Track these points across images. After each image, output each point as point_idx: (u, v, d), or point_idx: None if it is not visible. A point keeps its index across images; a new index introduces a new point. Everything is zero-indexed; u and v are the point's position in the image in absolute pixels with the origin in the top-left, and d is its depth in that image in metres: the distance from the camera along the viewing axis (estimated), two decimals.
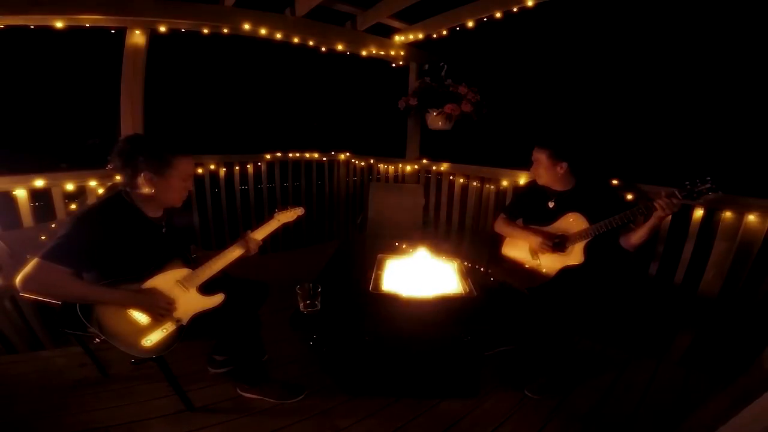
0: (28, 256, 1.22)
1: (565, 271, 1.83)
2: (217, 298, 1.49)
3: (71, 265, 1.24)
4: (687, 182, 1.59)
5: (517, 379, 1.80)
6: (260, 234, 1.69)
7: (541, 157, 1.92)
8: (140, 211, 1.42)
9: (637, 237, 1.73)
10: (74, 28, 2.14)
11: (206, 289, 1.50)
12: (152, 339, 1.33)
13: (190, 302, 1.44)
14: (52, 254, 1.20)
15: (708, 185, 1.55)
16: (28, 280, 1.18)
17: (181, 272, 1.46)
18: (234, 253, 1.59)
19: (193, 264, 1.52)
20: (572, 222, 1.85)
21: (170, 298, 1.38)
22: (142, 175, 1.34)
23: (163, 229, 1.50)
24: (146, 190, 1.37)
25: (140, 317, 1.34)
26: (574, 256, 1.82)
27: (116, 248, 1.33)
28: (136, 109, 2.41)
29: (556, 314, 1.76)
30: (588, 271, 1.80)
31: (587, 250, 1.79)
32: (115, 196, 1.42)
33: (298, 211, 1.86)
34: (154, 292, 1.36)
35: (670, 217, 2.04)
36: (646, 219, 1.70)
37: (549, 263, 1.90)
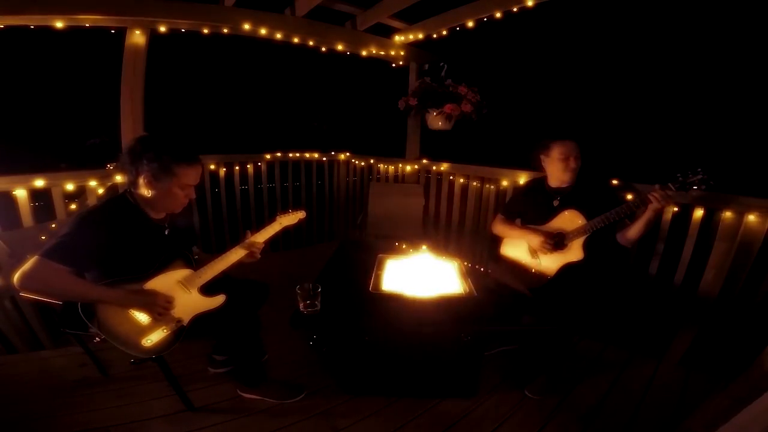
0: (28, 256, 1.22)
1: (566, 269, 1.84)
2: (219, 299, 1.48)
3: (71, 264, 1.24)
4: (679, 174, 1.63)
5: (517, 379, 1.81)
6: (261, 236, 1.69)
7: (576, 150, 1.89)
8: (143, 212, 1.42)
9: (633, 231, 1.74)
10: (74, 28, 2.14)
11: (207, 289, 1.50)
12: (152, 339, 1.32)
13: (192, 303, 1.44)
14: (52, 252, 1.20)
15: (699, 176, 1.59)
16: (26, 278, 1.18)
17: (183, 273, 1.47)
18: (235, 255, 1.58)
19: (195, 265, 1.52)
20: (569, 219, 1.86)
21: (168, 297, 1.38)
22: (142, 176, 1.35)
23: (166, 231, 1.50)
24: (146, 192, 1.38)
25: (141, 317, 1.34)
26: (574, 252, 1.82)
27: (117, 249, 1.33)
28: (137, 109, 2.41)
29: (559, 313, 1.76)
30: (588, 267, 1.81)
31: (586, 246, 1.80)
32: (119, 196, 1.43)
33: (300, 215, 1.89)
34: (152, 292, 1.36)
35: (669, 215, 2.05)
36: (641, 212, 1.71)
37: (549, 262, 1.90)
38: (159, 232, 1.47)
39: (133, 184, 1.39)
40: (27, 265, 1.19)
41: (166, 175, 1.35)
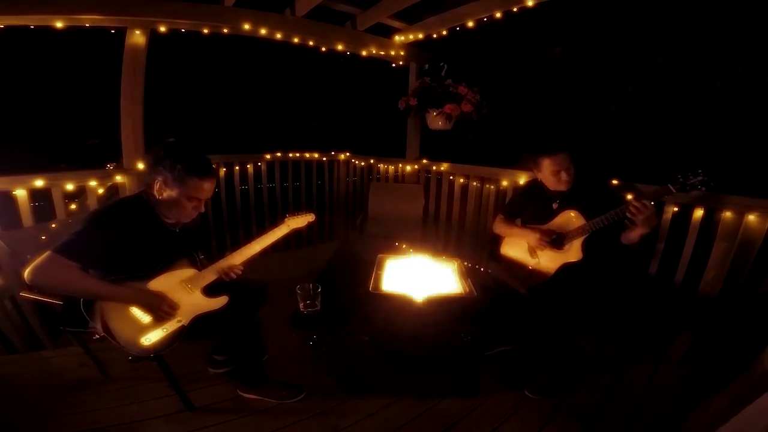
0: (28, 256, 1.23)
1: (565, 269, 1.84)
2: (221, 300, 1.49)
3: (81, 261, 1.26)
4: (679, 176, 1.64)
5: (517, 379, 1.81)
6: (239, 257, 1.57)
7: (567, 161, 1.86)
8: (156, 215, 1.43)
9: (635, 235, 1.75)
10: (74, 28, 2.13)
11: (209, 290, 1.50)
12: (152, 338, 1.33)
13: (194, 303, 1.45)
14: (64, 249, 1.23)
15: (700, 178, 1.60)
16: (37, 272, 1.20)
17: (187, 272, 1.47)
18: (210, 276, 1.51)
19: (200, 265, 1.53)
20: (569, 219, 1.86)
21: (174, 301, 1.39)
22: (156, 181, 1.37)
23: (176, 236, 1.50)
24: (157, 196, 1.39)
25: (142, 315, 1.35)
26: (573, 252, 1.83)
27: (127, 248, 1.34)
28: (137, 109, 2.41)
29: (557, 313, 1.76)
30: (587, 268, 1.81)
31: (585, 247, 1.80)
32: (135, 196, 1.45)
33: (309, 218, 1.84)
34: (159, 294, 1.37)
35: (669, 215, 2.05)
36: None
37: (548, 261, 1.90)
38: (170, 234, 1.48)
39: (149, 185, 1.41)
40: (39, 260, 1.21)
41: (177, 184, 1.37)
